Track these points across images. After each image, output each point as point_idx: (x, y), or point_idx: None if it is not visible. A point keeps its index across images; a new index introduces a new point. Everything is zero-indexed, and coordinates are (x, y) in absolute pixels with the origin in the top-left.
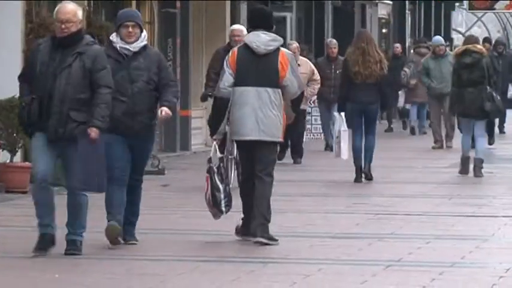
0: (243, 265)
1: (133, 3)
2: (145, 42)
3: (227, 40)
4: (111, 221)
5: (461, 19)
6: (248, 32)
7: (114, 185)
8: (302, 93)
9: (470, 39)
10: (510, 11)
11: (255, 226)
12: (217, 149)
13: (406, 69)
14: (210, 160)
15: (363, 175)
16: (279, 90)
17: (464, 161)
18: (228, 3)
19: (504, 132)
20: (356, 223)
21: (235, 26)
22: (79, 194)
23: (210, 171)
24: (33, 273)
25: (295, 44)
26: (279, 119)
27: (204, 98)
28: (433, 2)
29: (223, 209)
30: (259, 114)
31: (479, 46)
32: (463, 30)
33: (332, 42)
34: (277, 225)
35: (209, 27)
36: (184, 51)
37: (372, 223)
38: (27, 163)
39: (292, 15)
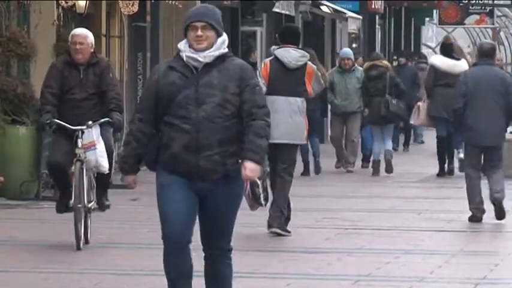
0: None
1: (104, 16)
2: (223, 50)
3: None
4: None
5: (431, 34)
6: (278, 45)
7: (169, 251)
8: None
9: (376, 56)
10: (480, 26)
11: (272, 218)
12: None
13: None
14: None
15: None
16: (304, 99)
17: (376, 164)
18: None
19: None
20: (325, 238)
21: (77, 31)
22: None
23: None
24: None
25: None
26: (304, 124)
27: (42, 127)
28: (403, 16)
29: (262, 202)
30: (289, 120)
31: (384, 61)
32: (433, 45)
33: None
34: (247, 240)
35: (179, 41)
36: (154, 65)
37: (342, 238)
38: None
39: (262, 29)
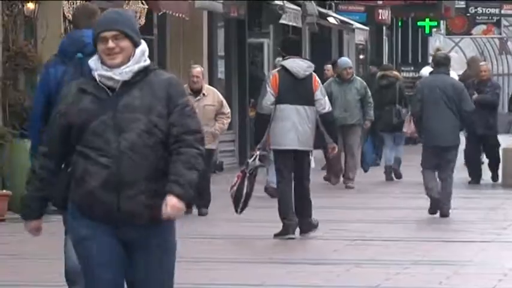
0: None
1: None
2: (144, 63)
3: (205, 66)
4: None
5: (438, 44)
6: (283, 57)
7: None
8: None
9: (387, 67)
10: (487, 36)
11: (301, 223)
12: (258, 158)
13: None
14: (247, 164)
15: None
16: (314, 107)
17: (387, 169)
18: (205, 30)
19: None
20: (334, 249)
21: None
22: None
23: (244, 172)
24: None
25: (198, 68)
26: (313, 131)
27: None
28: (410, 27)
29: (238, 210)
30: (299, 127)
31: (395, 72)
32: None
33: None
34: (255, 250)
35: (186, 54)
36: None
37: (350, 249)
38: (4, 191)
39: (269, 41)
